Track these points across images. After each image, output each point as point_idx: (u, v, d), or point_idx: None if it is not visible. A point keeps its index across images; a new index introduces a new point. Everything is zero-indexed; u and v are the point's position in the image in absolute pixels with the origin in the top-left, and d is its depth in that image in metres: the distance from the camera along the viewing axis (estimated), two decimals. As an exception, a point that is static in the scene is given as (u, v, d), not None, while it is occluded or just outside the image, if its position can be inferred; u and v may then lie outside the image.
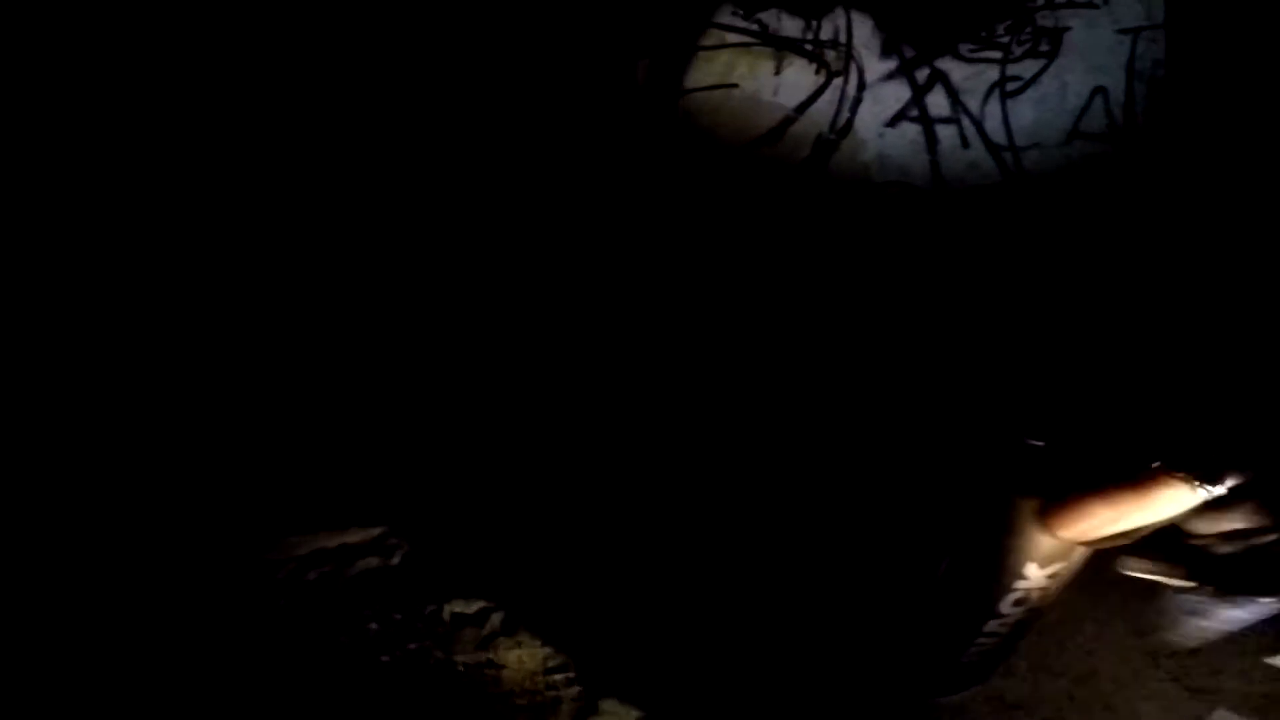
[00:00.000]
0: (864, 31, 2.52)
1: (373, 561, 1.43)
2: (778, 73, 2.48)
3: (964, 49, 2.45)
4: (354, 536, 1.47)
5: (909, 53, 2.47)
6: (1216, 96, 2.37)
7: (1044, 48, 2.43)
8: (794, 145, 2.34)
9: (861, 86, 2.41)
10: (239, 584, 1.35)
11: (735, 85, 2.49)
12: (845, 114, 2.36)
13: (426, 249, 2.33)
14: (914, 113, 2.33)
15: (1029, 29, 2.47)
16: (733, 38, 2.58)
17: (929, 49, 2.46)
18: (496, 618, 1.31)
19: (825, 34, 2.52)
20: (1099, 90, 2.35)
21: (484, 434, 1.78)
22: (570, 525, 1.52)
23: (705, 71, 2.54)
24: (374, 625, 1.28)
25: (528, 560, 1.45)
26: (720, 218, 2.31)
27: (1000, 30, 2.48)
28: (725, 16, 2.60)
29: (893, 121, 2.32)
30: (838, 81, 2.43)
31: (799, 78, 2.47)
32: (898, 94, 2.38)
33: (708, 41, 2.57)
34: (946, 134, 2.29)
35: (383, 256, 2.26)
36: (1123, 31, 2.47)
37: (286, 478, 1.61)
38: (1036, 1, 2.53)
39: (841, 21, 2.54)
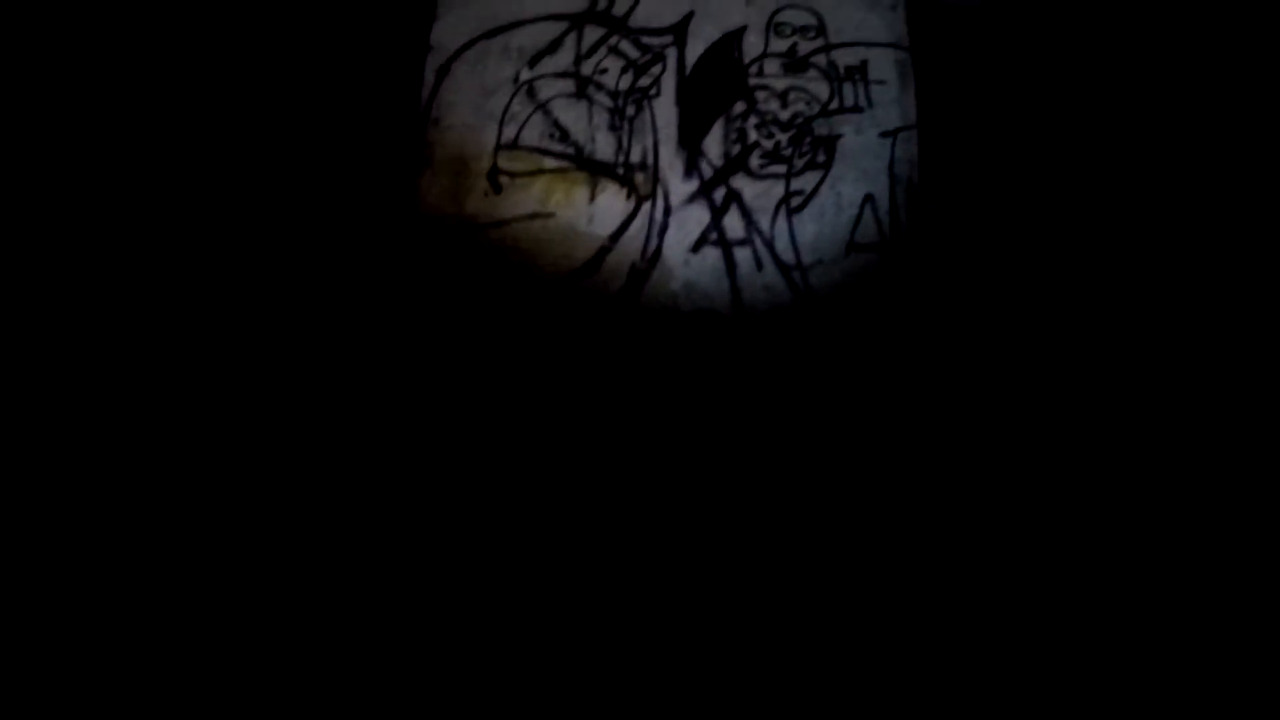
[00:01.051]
0: (668, 152, 2.73)
1: None
2: (592, 200, 2.65)
3: (754, 165, 2.72)
4: None
5: (707, 172, 2.71)
6: (963, 195, 2.80)
7: (820, 158, 2.74)
8: (610, 276, 2.55)
9: (668, 211, 2.63)
10: None
11: (552, 214, 2.63)
12: (654, 240, 2.59)
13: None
14: (714, 236, 2.60)
15: (808, 139, 2.78)
16: (550, 163, 2.70)
17: (724, 168, 2.71)
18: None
19: (635, 156, 2.70)
20: (868, 199, 2.70)
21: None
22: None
23: (523, 199, 2.66)
24: None
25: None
26: (544, 353, 2.50)
27: (784, 142, 2.77)
28: (543, 140, 2.71)
29: (696, 246, 2.58)
30: (647, 206, 2.64)
31: (612, 204, 2.65)
32: (699, 217, 2.62)
33: (524, 167, 2.68)
34: (743, 256, 2.57)
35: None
36: (884, 135, 2.82)
37: None
38: (813, 110, 2.83)
39: (649, 141, 2.73)
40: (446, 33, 2.96)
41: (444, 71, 2.89)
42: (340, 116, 2.90)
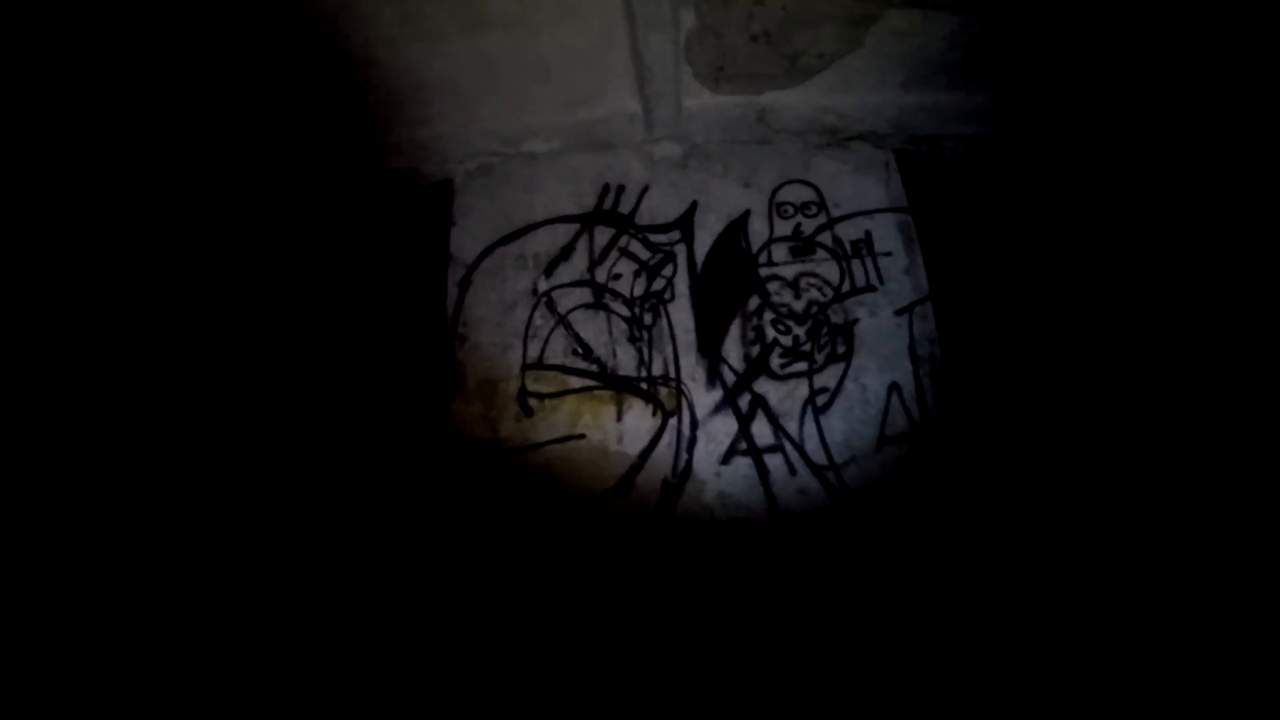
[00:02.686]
0: (689, 361, 2.80)
1: None
2: (620, 418, 2.72)
3: (775, 365, 2.78)
4: None
5: (730, 379, 2.76)
6: (987, 367, 2.80)
7: (840, 349, 2.79)
8: (643, 493, 2.59)
9: (694, 424, 2.69)
10: None
11: (583, 436, 2.70)
12: (684, 455, 2.63)
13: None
14: (743, 445, 2.64)
15: (825, 329, 2.83)
16: (575, 381, 2.78)
17: (746, 373, 2.77)
18: None
19: (657, 368, 2.78)
20: (894, 387, 2.73)
21: None
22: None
23: (553, 422, 2.73)
24: None
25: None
26: (583, 574, 2.52)
27: (802, 336, 2.82)
28: (567, 356, 2.79)
29: (726, 458, 2.62)
30: (673, 422, 2.69)
31: (639, 421, 2.71)
32: (727, 427, 2.67)
33: (551, 388, 2.76)
34: (775, 463, 2.60)
35: None
36: (899, 312, 2.86)
37: None
38: (827, 296, 2.89)
39: (669, 351, 2.80)
40: (464, 240, 3.10)
41: (466, 284, 3.01)
42: (370, 340, 3.02)
